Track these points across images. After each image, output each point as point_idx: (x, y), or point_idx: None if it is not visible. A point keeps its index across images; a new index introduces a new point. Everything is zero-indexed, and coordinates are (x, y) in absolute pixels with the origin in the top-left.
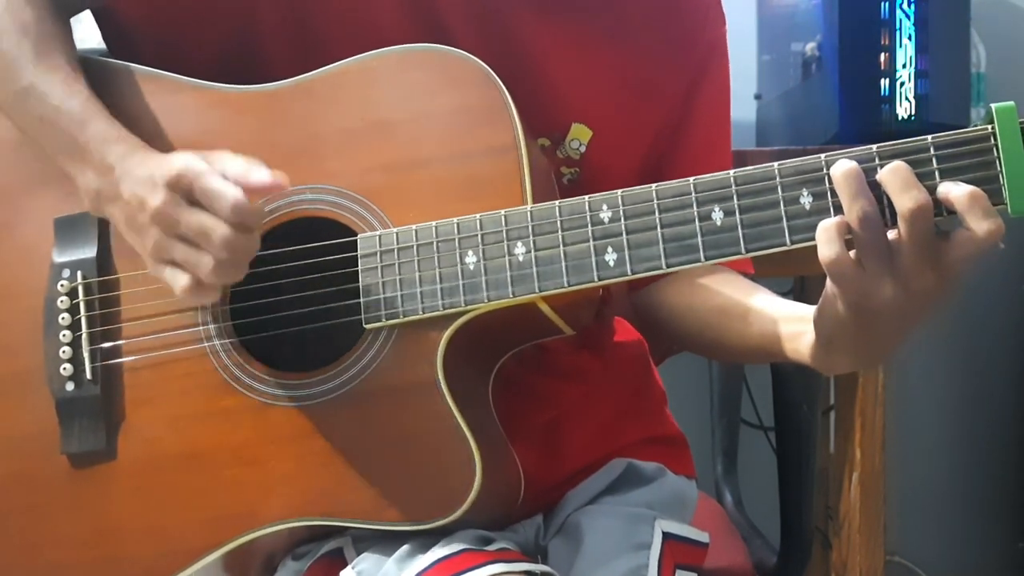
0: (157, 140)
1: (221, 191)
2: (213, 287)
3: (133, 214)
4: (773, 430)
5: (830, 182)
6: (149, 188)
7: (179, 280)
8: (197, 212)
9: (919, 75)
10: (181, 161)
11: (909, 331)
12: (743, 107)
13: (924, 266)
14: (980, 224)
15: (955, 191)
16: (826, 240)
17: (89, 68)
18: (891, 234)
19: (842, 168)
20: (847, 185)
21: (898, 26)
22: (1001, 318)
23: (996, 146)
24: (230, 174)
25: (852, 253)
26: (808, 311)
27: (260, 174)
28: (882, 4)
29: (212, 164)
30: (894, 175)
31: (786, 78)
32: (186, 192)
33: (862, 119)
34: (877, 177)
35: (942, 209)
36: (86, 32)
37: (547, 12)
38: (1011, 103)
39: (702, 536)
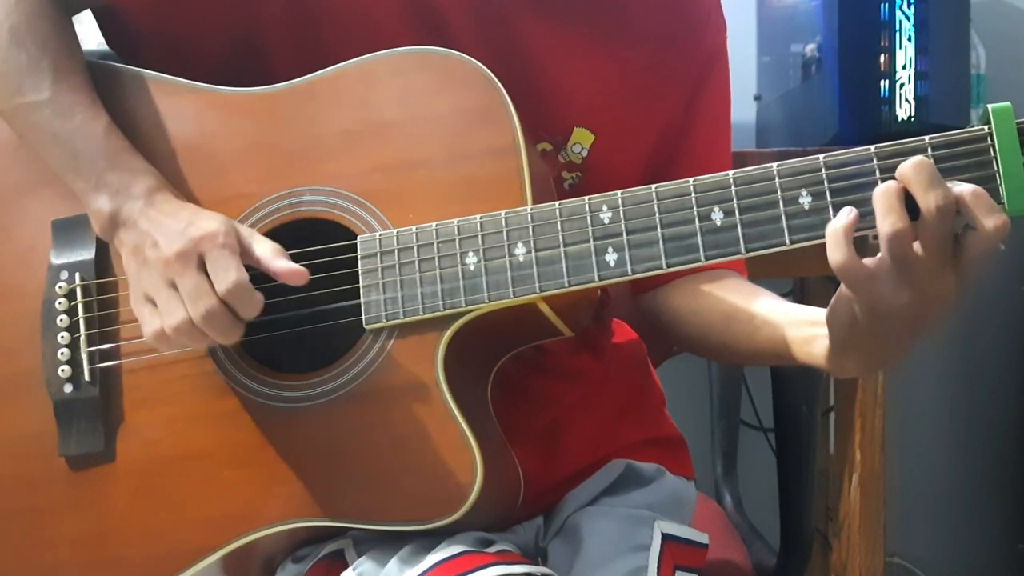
0: (157, 142)
1: (226, 270)
2: (175, 342)
3: (143, 245)
4: (773, 431)
5: (828, 182)
6: (174, 234)
7: (150, 323)
8: (200, 275)
9: (919, 76)
10: (215, 225)
11: (922, 334)
12: (743, 108)
13: (941, 270)
14: (987, 220)
15: (958, 188)
16: (835, 244)
17: (91, 71)
18: None
19: (882, 186)
20: (884, 200)
21: (898, 27)
22: (1001, 318)
23: (993, 146)
24: (256, 253)
25: (867, 260)
26: (818, 314)
27: (282, 262)
28: (882, 5)
29: (243, 238)
30: (918, 171)
31: (786, 79)
32: (202, 254)
33: (862, 120)
34: (897, 173)
35: None
36: (85, 32)
37: (549, 16)
38: (1007, 103)
39: (701, 537)
